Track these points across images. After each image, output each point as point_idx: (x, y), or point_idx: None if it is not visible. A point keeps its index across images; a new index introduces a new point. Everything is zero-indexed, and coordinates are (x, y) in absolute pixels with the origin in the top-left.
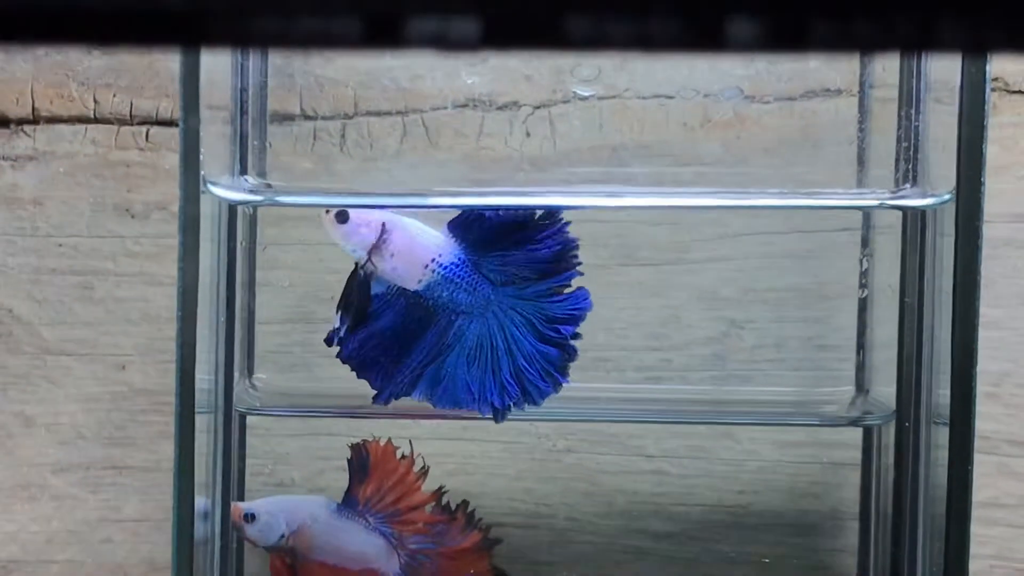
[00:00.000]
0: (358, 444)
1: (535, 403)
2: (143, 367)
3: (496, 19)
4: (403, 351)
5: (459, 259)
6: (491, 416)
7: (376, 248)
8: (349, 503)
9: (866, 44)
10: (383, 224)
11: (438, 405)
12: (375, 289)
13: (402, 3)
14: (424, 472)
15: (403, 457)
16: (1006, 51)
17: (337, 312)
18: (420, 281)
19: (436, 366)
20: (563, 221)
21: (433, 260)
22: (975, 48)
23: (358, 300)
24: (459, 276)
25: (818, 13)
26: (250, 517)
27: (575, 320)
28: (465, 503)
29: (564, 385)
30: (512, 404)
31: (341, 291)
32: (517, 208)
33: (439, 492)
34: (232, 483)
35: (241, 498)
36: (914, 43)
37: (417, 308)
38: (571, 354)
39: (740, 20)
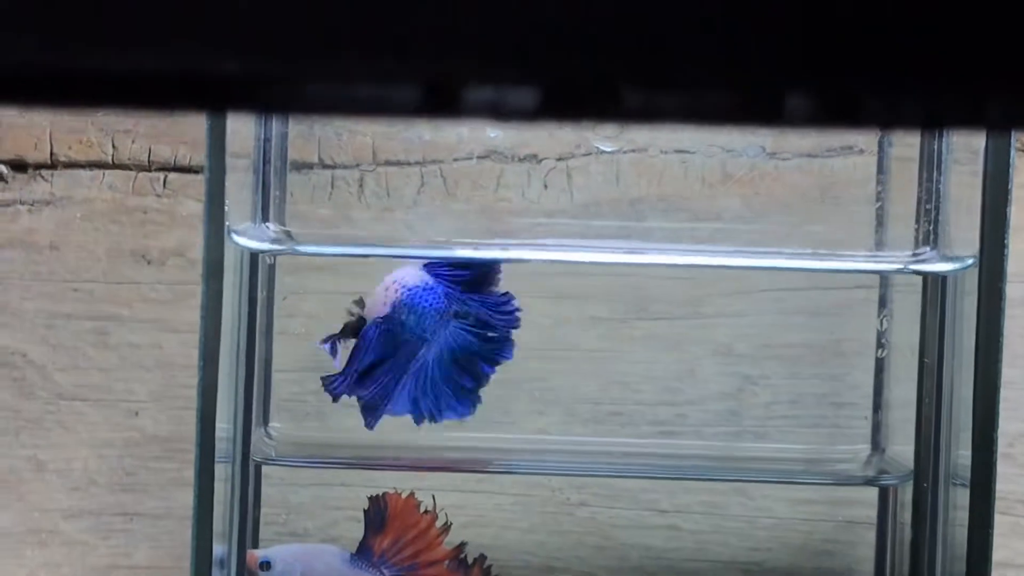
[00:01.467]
0: (376, 496)
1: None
2: (156, 414)
3: (553, 90)
4: (383, 376)
5: (425, 284)
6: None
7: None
8: (364, 554)
9: (916, 121)
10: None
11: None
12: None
13: (460, 72)
14: (447, 528)
15: (426, 512)
16: None
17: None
18: (385, 304)
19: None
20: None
21: (395, 282)
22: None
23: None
24: (424, 301)
25: (870, 90)
26: (266, 565)
27: (494, 362)
28: (483, 557)
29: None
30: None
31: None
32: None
33: (460, 548)
34: (247, 532)
35: (255, 547)
36: (964, 121)
37: (387, 334)
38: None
39: (794, 96)
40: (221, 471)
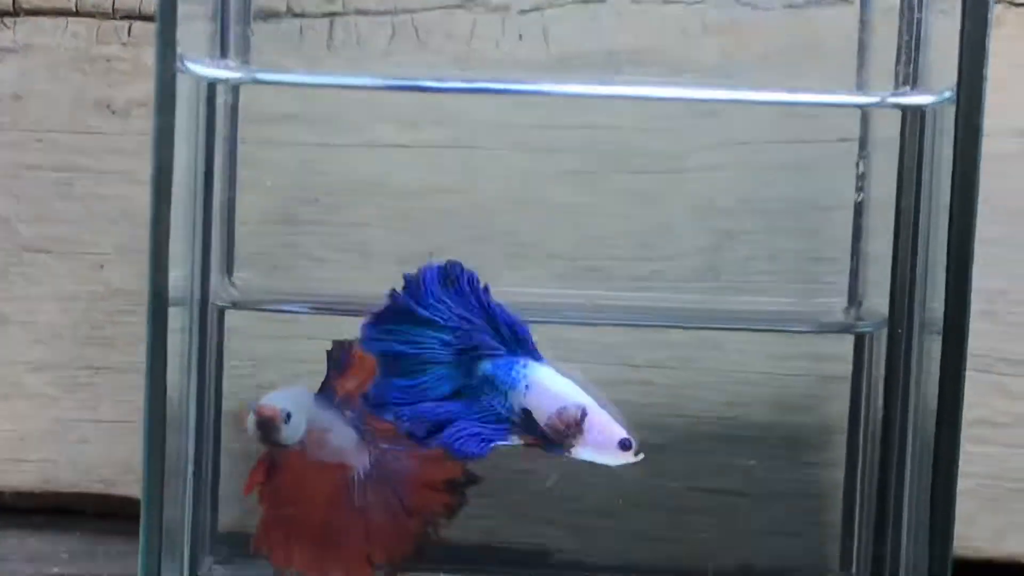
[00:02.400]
0: (341, 340)
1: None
2: (122, 267)
3: None
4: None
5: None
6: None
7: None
8: (326, 395)
9: None
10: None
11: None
12: None
13: None
14: None
15: None
16: None
17: None
18: None
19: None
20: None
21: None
22: None
23: None
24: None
25: None
26: (288, 417)
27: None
28: None
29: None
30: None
31: None
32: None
33: None
34: (210, 380)
35: (219, 400)
36: None
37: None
38: None
39: None
40: (181, 319)
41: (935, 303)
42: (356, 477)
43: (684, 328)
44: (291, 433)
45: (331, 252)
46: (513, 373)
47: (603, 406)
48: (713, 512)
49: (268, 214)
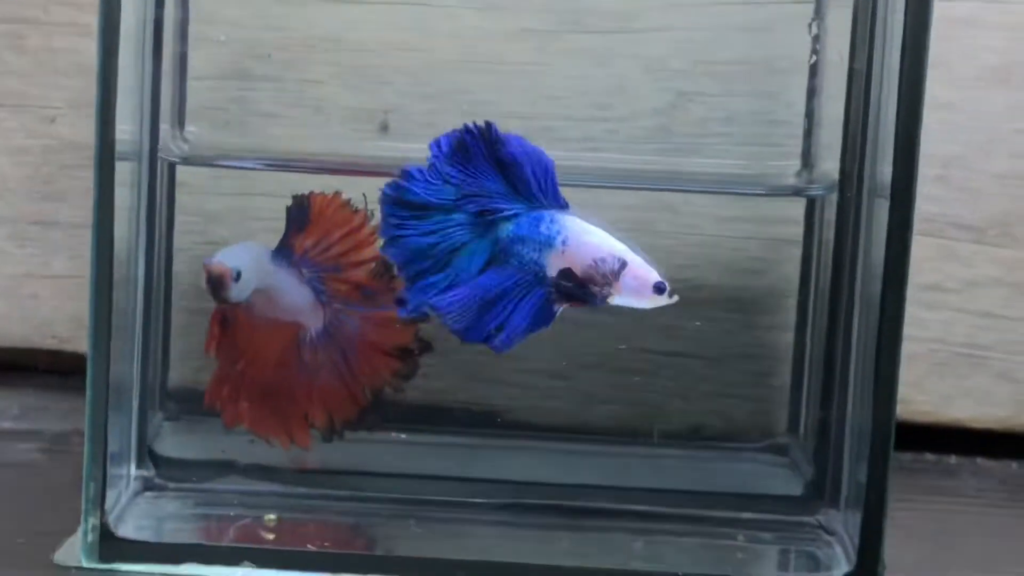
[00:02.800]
0: (300, 195)
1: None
2: (74, 120)
3: None
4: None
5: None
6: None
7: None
8: (283, 252)
9: None
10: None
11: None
12: None
13: None
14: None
15: (356, 210)
16: None
17: None
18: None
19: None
20: None
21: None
22: None
23: None
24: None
25: None
26: (238, 275)
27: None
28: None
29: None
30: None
31: None
32: None
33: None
34: (160, 236)
35: (169, 253)
36: None
37: None
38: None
39: None
40: (131, 175)
41: (884, 167)
42: (308, 337)
43: (636, 189)
44: (241, 291)
45: (284, 108)
46: (543, 229)
47: (633, 250)
48: (663, 374)
49: (221, 69)
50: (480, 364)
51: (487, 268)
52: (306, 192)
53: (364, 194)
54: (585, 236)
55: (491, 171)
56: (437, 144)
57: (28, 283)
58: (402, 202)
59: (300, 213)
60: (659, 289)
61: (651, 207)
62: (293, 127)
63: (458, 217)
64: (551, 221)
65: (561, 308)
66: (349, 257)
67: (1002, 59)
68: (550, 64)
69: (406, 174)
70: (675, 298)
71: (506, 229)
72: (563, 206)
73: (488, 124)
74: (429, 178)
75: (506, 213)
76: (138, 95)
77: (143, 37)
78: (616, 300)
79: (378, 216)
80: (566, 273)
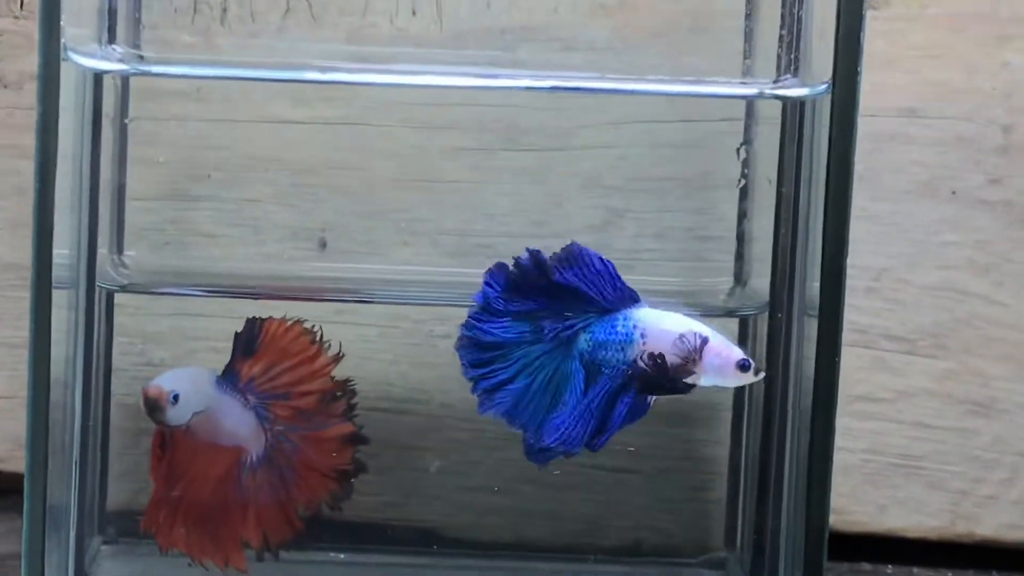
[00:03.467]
0: (252, 319)
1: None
2: (12, 241)
3: None
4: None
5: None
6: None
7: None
8: (230, 377)
9: None
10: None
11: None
12: None
13: None
14: (338, 358)
15: (314, 341)
16: None
17: None
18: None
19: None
20: None
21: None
22: None
23: None
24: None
25: None
26: (175, 398)
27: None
28: (352, 392)
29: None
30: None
31: None
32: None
33: (345, 382)
34: (98, 360)
35: (108, 377)
36: None
37: None
38: None
39: None
40: (68, 298)
41: (813, 284)
42: (248, 461)
43: None
44: (178, 414)
45: (224, 228)
46: (620, 329)
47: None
48: (599, 489)
49: (161, 190)
50: (418, 482)
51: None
52: (257, 316)
53: (320, 327)
54: (662, 324)
55: (552, 291)
56: (490, 284)
57: None
58: (480, 344)
59: (249, 339)
60: (743, 366)
61: None
62: (232, 247)
63: (537, 349)
64: (624, 319)
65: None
66: (300, 386)
67: (930, 173)
68: (487, 182)
69: (476, 318)
70: (761, 375)
71: (585, 340)
72: (634, 299)
73: (532, 252)
74: (496, 317)
75: (580, 325)
76: (76, 219)
77: (80, 161)
78: (702, 381)
79: (330, 345)
80: (651, 357)
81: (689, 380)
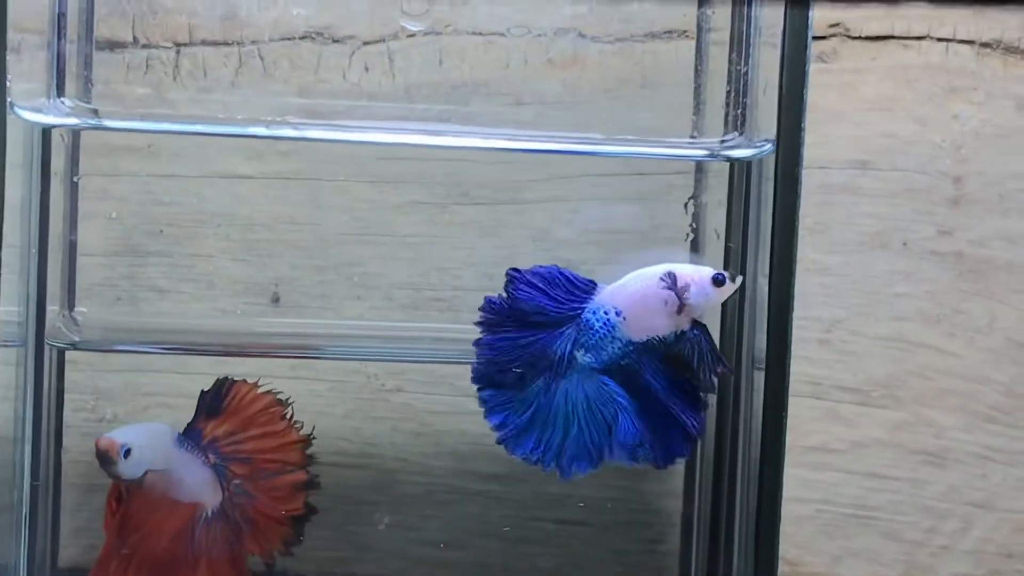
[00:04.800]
0: (222, 380)
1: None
2: None
3: None
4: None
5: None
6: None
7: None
8: (191, 435)
9: None
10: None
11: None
12: None
13: None
14: (309, 439)
15: (284, 416)
16: None
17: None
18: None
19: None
20: None
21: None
22: None
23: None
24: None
25: None
26: (127, 452)
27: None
28: (308, 439)
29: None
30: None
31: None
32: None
33: (309, 460)
34: (48, 417)
35: (59, 434)
36: None
37: None
38: None
39: None
40: (17, 355)
41: (760, 337)
42: (204, 516)
43: None
44: (130, 468)
45: (176, 283)
46: (597, 324)
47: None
48: (555, 542)
49: (112, 246)
50: (371, 536)
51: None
52: (227, 377)
53: (292, 403)
54: (627, 289)
55: (526, 318)
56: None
57: None
58: (495, 383)
59: (215, 399)
60: (718, 281)
61: None
62: (185, 302)
63: (540, 383)
64: (594, 312)
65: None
66: (264, 455)
67: (881, 224)
68: (439, 235)
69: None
70: (739, 280)
71: (578, 356)
72: (592, 288)
73: (505, 287)
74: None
75: (566, 347)
76: (24, 276)
77: (29, 216)
78: (695, 311)
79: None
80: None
81: (694, 317)
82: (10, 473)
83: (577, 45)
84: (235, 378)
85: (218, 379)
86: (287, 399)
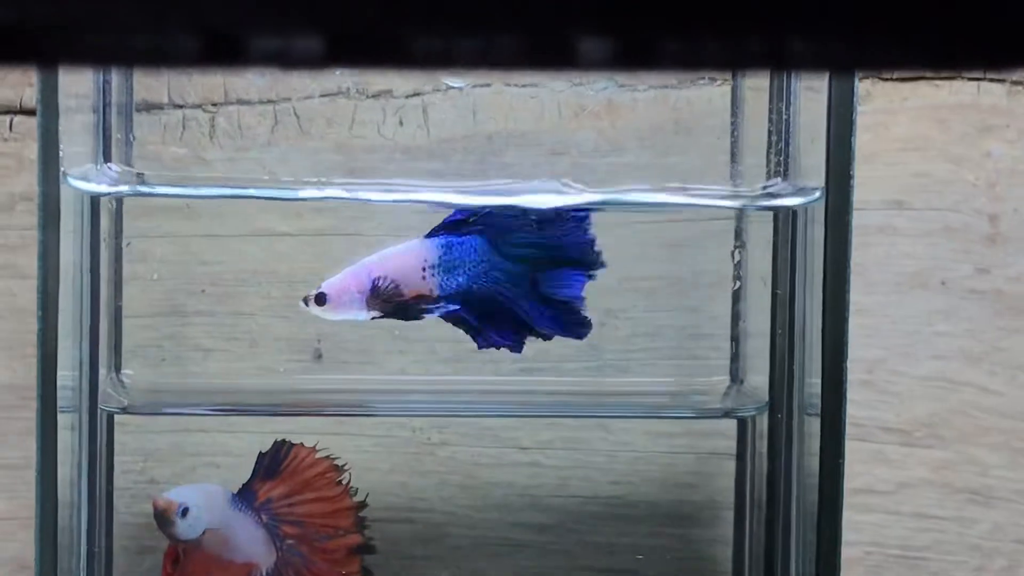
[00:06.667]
0: (280, 442)
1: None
2: (9, 362)
3: (339, 37)
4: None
5: (442, 246)
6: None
7: (372, 299)
8: (246, 496)
9: (716, 63)
10: (361, 278)
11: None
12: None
13: (242, 20)
14: (362, 505)
15: (345, 483)
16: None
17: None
18: (431, 290)
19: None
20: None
21: (424, 268)
22: (823, 66)
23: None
24: (454, 258)
25: (667, 32)
26: (184, 512)
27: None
28: (362, 505)
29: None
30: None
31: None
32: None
33: (362, 524)
34: (100, 480)
35: (110, 497)
36: (763, 62)
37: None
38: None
39: (588, 39)
40: (70, 421)
41: (813, 387)
42: (259, 575)
43: (568, 417)
44: (187, 528)
45: (219, 342)
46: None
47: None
48: None
49: (155, 307)
50: None
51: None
52: (285, 440)
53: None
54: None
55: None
56: None
57: None
58: None
59: (273, 461)
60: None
61: (585, 425)
62: (228, 361)
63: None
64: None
65: None
66: (317, 519)
67: (918, 264)
68: None
69: None
70: (317, 308)
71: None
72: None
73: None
74: None
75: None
76: (77, 342)
77: (80, 283)
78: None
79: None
80: None
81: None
82: (68, 539)
83: (611, 93)
84: (293, 441)
85: (276, 441)
86: (344, 464)
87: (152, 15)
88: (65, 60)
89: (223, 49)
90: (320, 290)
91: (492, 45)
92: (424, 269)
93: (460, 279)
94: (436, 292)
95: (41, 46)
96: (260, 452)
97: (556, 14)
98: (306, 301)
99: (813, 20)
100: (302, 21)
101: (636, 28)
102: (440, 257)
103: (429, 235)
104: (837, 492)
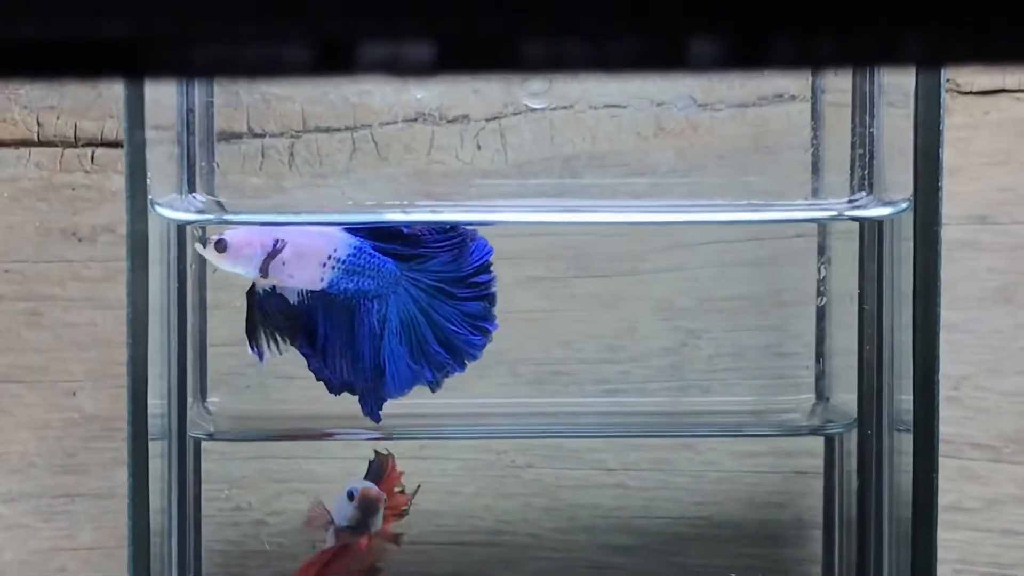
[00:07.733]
0: (383, 453)
1: (472, 358)
2: (94, 393)
3: (450, 43)
4: (348, 354)
5: (356, 248)
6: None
7: (267, 263)
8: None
9: (827, 60)
10: (266, 239)
11: (396, 395)
12: (291, 299)
13: (354, 28)
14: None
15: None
16: (967, 64)
17: (248, 338)
18: (322, 280)
19: (379, 357)
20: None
21: (329, 257)
22: (936, 62)
23: (271, 315)
24: (359, 263)
25: (779, 31)
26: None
27: (485, 268)
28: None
29: (493, 332)
30: (446, 371)
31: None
32: (473, 224)
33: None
34: (189, 508)
35: (198, 524)
36: (875, 58)
37: (332, 306)
38: (492, 301)
39: (701, 39)
40: (159, 449)
41: (903, 403)
42: None
43: (654, 436)
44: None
45: (301, 369)
46: None
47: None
48: None
49: (238, 334)
50: None
51: None
52: (388, 451)
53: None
54: None
55: None
56: None
57: (55, 557)
58: None
59: (379, 468)
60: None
61: (670, 446)
62: (311, 387)
63: None
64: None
65: None
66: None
67: (1003, 279)
68: (559, 310)
69: None
70: (213, 254)
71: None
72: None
73: None
74: None
75: None
76: (165, 370)
77: (168, 312)
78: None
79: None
80: None
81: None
82: (159, 566)
83: (690, 112)
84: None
85: (376, 451)
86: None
87: (266, 25)
88: (183, 72)
89: (335, 58)
90: (222, 236)
91: (605, 48)
92: (329, 258)
93: (350, 286)
94: (323, 286)
95: (159, 59)
96: (369, 461)
97: (668, 14)
98: (204, 243)
99: (929, 15)
100: (415, 27)
101: (749, 27)
102: (347, 256)
103: (352, 232)
104: (931, 508)
